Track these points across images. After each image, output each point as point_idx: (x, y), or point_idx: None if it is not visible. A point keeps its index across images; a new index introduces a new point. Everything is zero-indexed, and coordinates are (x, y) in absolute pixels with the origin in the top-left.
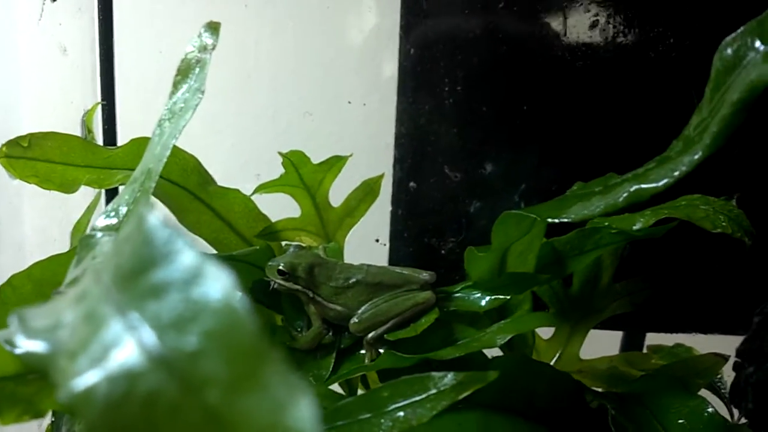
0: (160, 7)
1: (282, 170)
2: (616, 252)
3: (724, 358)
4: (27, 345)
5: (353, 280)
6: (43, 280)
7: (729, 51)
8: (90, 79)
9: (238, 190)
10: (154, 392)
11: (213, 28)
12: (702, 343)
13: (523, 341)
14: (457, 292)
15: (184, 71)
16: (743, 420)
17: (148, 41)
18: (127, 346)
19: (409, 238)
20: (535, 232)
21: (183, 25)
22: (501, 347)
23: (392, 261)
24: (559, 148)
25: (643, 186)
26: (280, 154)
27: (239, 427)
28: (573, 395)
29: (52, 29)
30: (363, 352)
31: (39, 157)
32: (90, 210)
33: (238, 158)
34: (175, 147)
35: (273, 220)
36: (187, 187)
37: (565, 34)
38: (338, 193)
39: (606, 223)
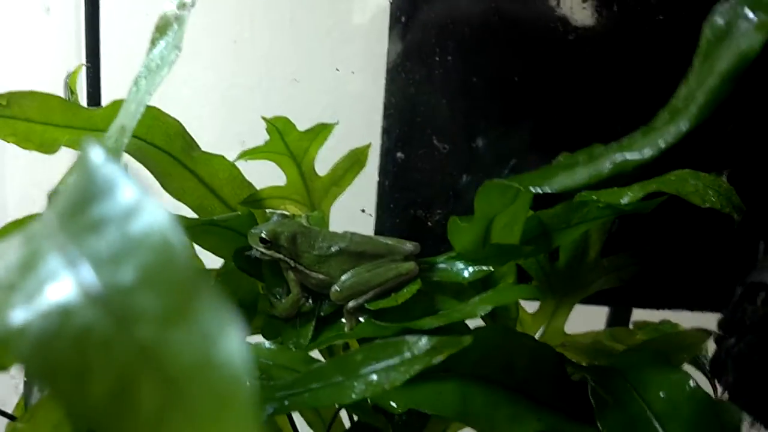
0: None
1: (267, 138)
2: (604, 227)
3: (708, 334)
4: None
5: (336, 248)
6: None
7: (719, 20)
8: (74, 41)
9: (222, 157)
10: (86, 328)
11: None
12: (688, 321)
13: (506, 314)
14: (440, 263)
15: (161, 28)
16: (725, 394)
17: (133, 3)
18: (63, 281)
19: (395, 210)
20: (520, 202)
21: None
22: (484, 319)
23: (378, 232)
24: (552, 121)
25: (628, 156)
26: (264, 119)
27: (169, 362)
28: (554, 367)
29: None
30: (344, 320)
31: (18, 116)
32: (71, 171)
33: (224, 125)
34: (158, 111)
35: (258, 188)
36: (171, 152)
37: (558, 5)
38: (325, 162)
39: (594, 197)
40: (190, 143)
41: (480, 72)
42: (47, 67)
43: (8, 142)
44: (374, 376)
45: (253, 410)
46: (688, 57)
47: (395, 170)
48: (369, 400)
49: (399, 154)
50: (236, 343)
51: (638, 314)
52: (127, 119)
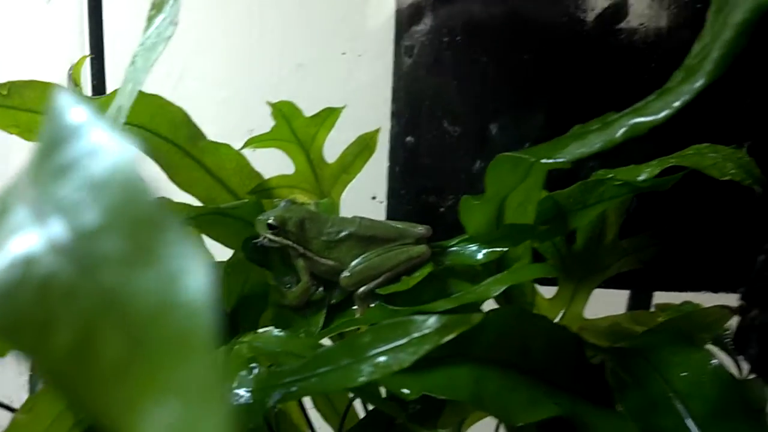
0: None
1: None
2: (622, 206)
3: (731, 311)
4: None
5: (345, 233)
6: None
7: None
8: (77, 31)
9: (229, 146)
10: (50, 277)
11: None
12: (711, 303)
13: (522, 298)
14: (452, 246)
15: (158, 5)
16: (747, 368)
17: None
18: (29, 233)
19: (406, 196)
20: (533, 180)
21: None
22: (499, 303)
23: (389, 219)
24: (567, 102)
25: (642, 119)
26: (269, 104)
27: (132, 307)
28: (572, 349)
29: None
30: (355, 307)
31: (19, 106)
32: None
33: (230, 113)
34: (162, 99)
35: (267, 177)
36: (177, 142)
37: None
38: (333, 148)
39: (610, 175)
40: (196, 132)
41: (490, 52)
42: (50, 59)
43: (11, 133)
44: (382, 358)
45: (212, 354)
46: None
47: (406, 155)
48: (382, 388)
49: (409, 139)
50: (199, 282)
51: (660, 297)
52: (124, 99)
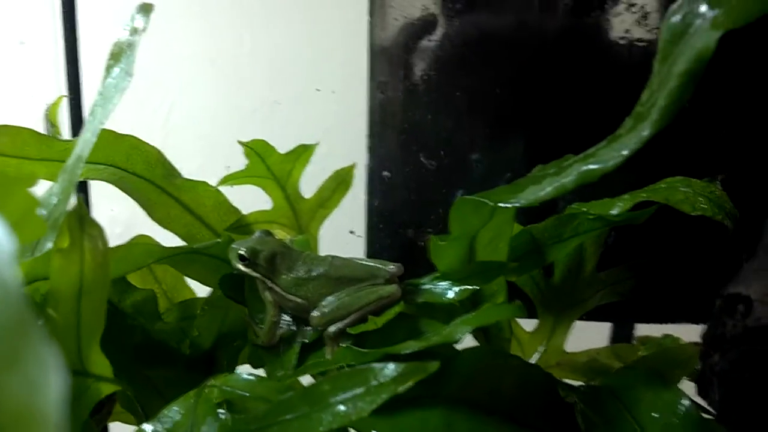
0: None
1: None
2: (599, 239)
3: None
4: None
5: (315, 272)
6: None
7: (675, 18)
8: (52, 72)
9: (206, 183)
10: None
11: (145, 10)
12: (693, 334)
13: (500, 333)
14: (424, 284)
15: (116, 55)
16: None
17: (112, 32)
18: None
19: (385, 230)
20: (501, 218)
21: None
22: (478, 341)
23: (369, 253)
24: (541, 132)
25: (592, 166)
26: (240, 143)
27: None
28: (543, 389)
29: (7, 21)
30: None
31: None
32: None
33: (207, 150)
34: (137, 139)
35: (246, 213)
36: (153, 180)
37: (537, 17)
38: (311, 184)
39: (584, 209)
40: (171, 170)
41: (462, 85)
42: (26, 100)
43: None
44: (341, 407)
45: None
46: None
47: (382, 189)
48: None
49: (385, 173)
50: (57, 393)
51: (642, 329)
52: (83, 148)
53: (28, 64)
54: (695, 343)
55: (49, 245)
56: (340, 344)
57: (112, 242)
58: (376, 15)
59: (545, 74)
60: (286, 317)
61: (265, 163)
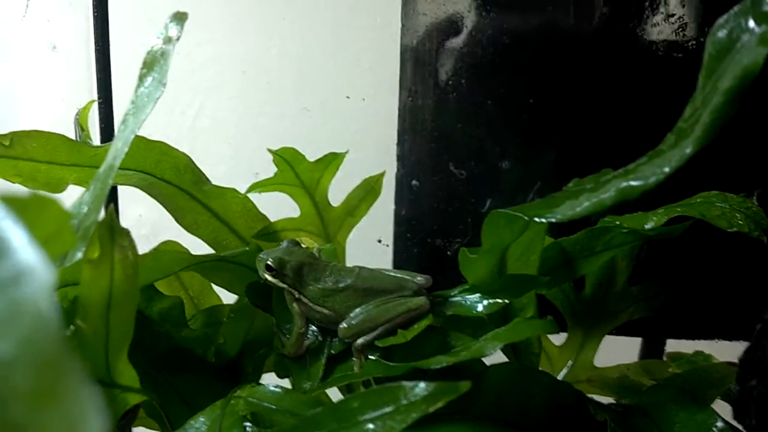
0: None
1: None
2: (632, 253)
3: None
4: None
5: (343, 284)
6: None
7: (721, 33)
8: (84, 77)
9: (235, 190)
10: None
11: (179, 18)
12: (725, 351)
13: (529, 348)
14: (453, 296)
15: (149, 64)
16: None
17: (144, 36)
18: None
19: (412, 239)
20: (534, 231)
21: None
22: (507, 355)
23: (396, 262)
24: (573, 142)
25: (632, 183)
26: (269, 151)
27: None
28: (573, 407)
29: (39, 26)
30: (353, 359)
31: (21, 156)
32: None
33: (237, 157)
34: (166, 146)
35: (273, 220)
36: (182, 186)
37: (571, 24)
38: (339, 192)
39: (617, 222)
40: (200, 177)
41: (494, 94)
42: (58, 105)
43: (13, 182)
44: (370, 425)
45: None
46: None
47: (411, 198)
48: None
49: (414, 182)
50: (96, 428)
51: (673, 345)
52: (115, 157)
53: (60, 69)
54: (729, 363)
55: (79, 255)
56: (369, 357)
57: (138, 243)
58: (408, 22)
59: (579, 84)
60: (314, 328)
61: (294, 171)
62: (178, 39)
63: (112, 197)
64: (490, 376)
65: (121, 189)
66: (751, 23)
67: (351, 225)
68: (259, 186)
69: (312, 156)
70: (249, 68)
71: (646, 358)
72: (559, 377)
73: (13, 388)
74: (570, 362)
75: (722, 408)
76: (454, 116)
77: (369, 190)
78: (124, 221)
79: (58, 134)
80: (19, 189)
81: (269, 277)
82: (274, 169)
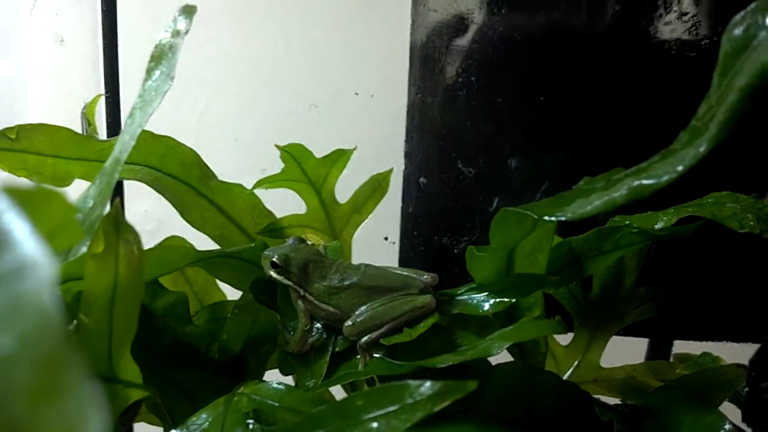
0: None
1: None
2: (640, 253)
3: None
4: None
5: (348, 281)
6: None
7: (738, 31)
8: (91, 70)
9: (241, 185)
10: None
11: (188, 12)
12: (733, 353)
13: (535, 348)
14: (460, 294)
15: (157, 57)
16: None
17: (152, 30)
18: None
19: (419, 237)
20: (542, 230)
21: None
22: (513, 354)
23: (402, 260)
24: (583, 141)
25: (645, 182)
26: (277, 147)
27: None
28: (579, 407)
29: (47, 19)
30: (358, 356)
31: (28, 150)
32: None
33: (243, 153)
34: (173, 140)
35: (279, 217)
36: (189, 181)
37: (583, 22)
38: (346, 188)
39: (626, 222)
40: (207, 172)
41: (504, 92)
42: (65, 98)
43: (19, 176)
44: (374, 424)
45: None
46: None
47: (419, 196)
48: None
49: (422, 179)
50: (97, 426)
51: (680, 346)
52: (122, 151)
53: (67, 63)
54: (737, 365)
55: (84, 249)
56: (374, 355)
57: (144, 238)
58: (418, 18)
59: (589, 82)
60: (318, 325)
61: (301, 168)
62: (186, 32)
63: (118, 192)
64: (495, 376)
65: (127, 184)
66: None
67: (358, 222)
68: (266, 182)
69: (319, 152)
70: (257, 64)
71: (653, 359)
72: (565, 377)
73: (14, 383)
74: (576, 362)
75: (730, 411)
76: (462, 114)
77: (376, 187)
78: (130, 216)
79: (65, 128)
80: (24, 182)
81: (274, 274)
82: (281, 165)
